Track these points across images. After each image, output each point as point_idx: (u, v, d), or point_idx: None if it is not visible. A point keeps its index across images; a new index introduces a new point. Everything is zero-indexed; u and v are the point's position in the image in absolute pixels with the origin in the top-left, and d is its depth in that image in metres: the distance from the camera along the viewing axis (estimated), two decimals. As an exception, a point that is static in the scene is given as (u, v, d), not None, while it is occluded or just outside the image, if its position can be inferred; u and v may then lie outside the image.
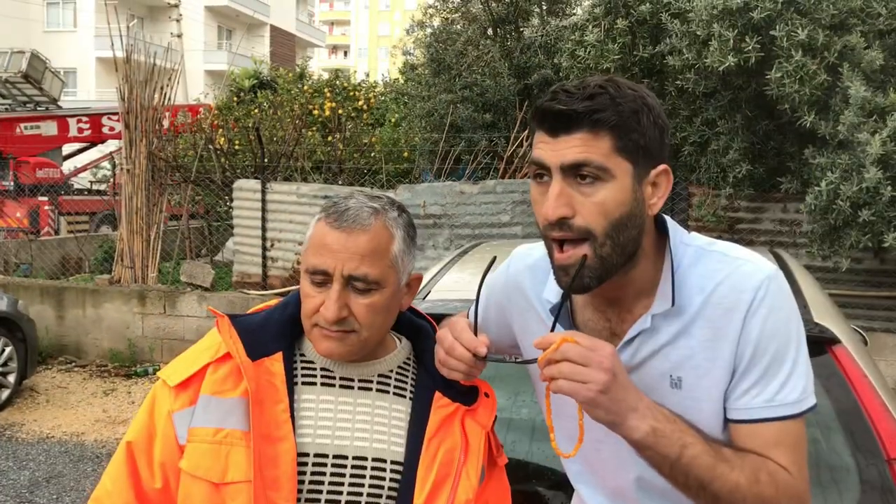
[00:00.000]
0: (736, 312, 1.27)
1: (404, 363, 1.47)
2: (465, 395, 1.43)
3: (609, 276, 1.28)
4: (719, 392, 1.30)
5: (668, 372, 1.32)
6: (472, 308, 1.46)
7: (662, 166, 1.29)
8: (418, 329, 1.50)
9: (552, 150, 1.25)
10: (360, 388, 1.41)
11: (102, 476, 1.42)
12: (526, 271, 1.52)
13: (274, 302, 1.49)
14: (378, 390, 1.42)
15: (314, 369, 1.41)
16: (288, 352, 1.40)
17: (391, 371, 1.45)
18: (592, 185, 1.24)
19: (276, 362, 1.37)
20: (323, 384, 1.40)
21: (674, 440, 1.23)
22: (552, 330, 1.32)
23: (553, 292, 1.41)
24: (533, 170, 1.30)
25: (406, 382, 1.45)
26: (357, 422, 1.38)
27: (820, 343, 2.04)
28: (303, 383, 1.39)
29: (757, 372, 1.27)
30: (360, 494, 1.35)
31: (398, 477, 1.36)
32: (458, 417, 1.41)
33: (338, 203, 1.35)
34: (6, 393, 6.70)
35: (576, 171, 1.24)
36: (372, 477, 1.36)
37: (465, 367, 1.36)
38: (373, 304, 1.34)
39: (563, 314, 1.40)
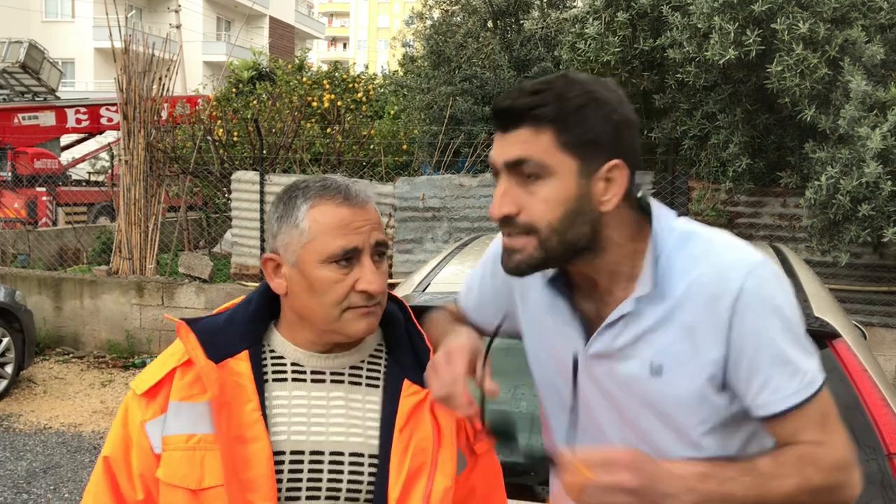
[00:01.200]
0: (722, 300, 1.24)
1: (375, 351, 1.45)
2: None
3: (549, 267, 1.31)
4: (703, 379, 1.27)
5: (649, 358, 1.30)
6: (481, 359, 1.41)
7: (615, 161, 1.26)
8: (387, 315, 1.45)
9: (499, 147, 1.28)
10: (332, 382, 1.39)
11: (84, 494, 1.41)
12: None
13: (238, 300, 1.47)
14: (350, 382, 1.40)
15: (284, 365, 1.39)
16: (255, 349, 1.37)
17: (362, 362, 1.42)
18: (536, 182, 1.24)
19: (241, 362, 1.35)
20: (294, 380, 1.38)
21: (719, 495, 1.22)
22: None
23: None
24: (493, 171, 1.32)
25: (378, 372, 1.43)
26: (332, 416, 1.36)
27: (820, 337, 2.04)
28: (273, 380, 1.37)
29: (766, 365, 1.24)
30: (340, 490, 1.33)
31: (375, 471, 1.35)
32: (427, 404, 1.38)
33: (326, 185, 1.34)
34: (3, 384, 6.69)
35: (518, 170, 1.25)
36: (350, 472, 1.34)
37: (468, 414, 1.33)
38: (385, 269, 1.37)
39: (562, 295, 1.40)
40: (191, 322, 1.37)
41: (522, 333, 1.54)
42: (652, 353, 1.30)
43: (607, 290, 1.35)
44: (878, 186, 4.81)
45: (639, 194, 1.37)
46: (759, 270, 1.25)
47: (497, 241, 1.57)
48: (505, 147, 1.26)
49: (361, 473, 1.34)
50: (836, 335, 2.07)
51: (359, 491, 1.34)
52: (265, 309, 1.42)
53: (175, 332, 1.37)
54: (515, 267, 1.30)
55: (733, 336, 1.25)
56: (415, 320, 1.49)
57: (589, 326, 1.37)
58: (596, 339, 1.34)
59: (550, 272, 1.40)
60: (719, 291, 1.24)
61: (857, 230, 5.05)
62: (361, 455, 1.35)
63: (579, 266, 1.33)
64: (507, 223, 1.27)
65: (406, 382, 1.39)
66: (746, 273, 1.24)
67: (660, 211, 1.34)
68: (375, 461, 1.35)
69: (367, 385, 1.41)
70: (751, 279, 1.23)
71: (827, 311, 2.22)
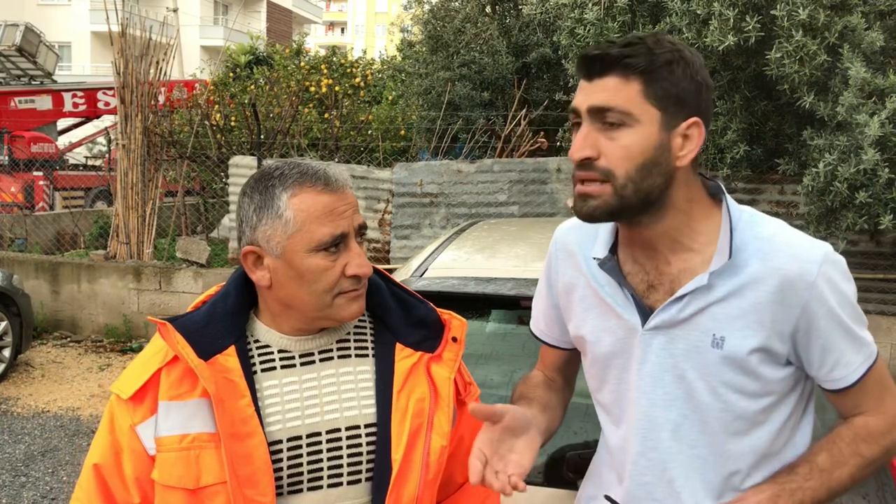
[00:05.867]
0: (799, 282, 1.29)
1: (360, 322, 1.45)
2: (428, 341, 1.42)
3: (622, 217, 1.34)
4: (765, 356, 1.32)
5: (711, 330, 1.33)
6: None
7: (694, 119, 1.31)
8: (368, 284, 1.45)
9: (584, 94, 1.31)
10: (321, 361, 1.39)
11: (70, 501, 1.38)
12: (572, 231, 1.54)
13: (214, 290, 1.44)
14: (340, 357, 1.40)
15: (271, 354, 1.38)
16: (240, 342, 1.36)
17: (348, 334, 1.43)
18: (618, 129, 1.28)
19: (229, 357, 1.33)
20: (283, 367, 1.37)
21: None
22: None
23: (601, 248, 1.44)
24: (572, 118, 1.35)
25: (366, 341, 1.43)
26: (325, 395, 1.37)
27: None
28: (262, 371, 1.36)
29: (840, 344, 1.33)
30: (341, 466, 1.34)
31: (374, 439, 1.36)
32: (423, 365, 1.39)
33: (305, 172, 1.32)
34: (1, 367, 6.71)
35: (602, 116, 1.29)
36: (349, 446, 1.35)
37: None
38: (365, 249, 1.39)
39: (611, 267, 1.42)
40: (172, 321, 1.34)
41: (578, 332, 1.52)
42: (715, 326, 1.33)
43: (665, 260, 1.38)
44: (876, 174, 4.81)
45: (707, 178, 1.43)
46: (831, 258, 1.32)
47: (550, 248, 1.58)
48: (591, 93, 1.30)
49: (360, 445, 1.35)
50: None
51: (359, 464, 1.35)
52: (244, 300, 1.40)
53: (158, 333, 1.34)
54: (591, 213, 1.33)
55: (807, 317, 1.31)
56: (398, 283, 1.49)
57: (639, 302, 1.39)
58: (659, 313, 1.36)
59: (602, 254, 1.42)
60: (797, 274, 1.30)
61: (855, 217, 5.05)
62: (358, 427, 1.36)
63: (642, 227, 1.35)
64: (585, 167, 1.30)
65: (398, 346, 1.40)
66: (822, 260, 1.31)
67: (727, 193, 1.40)
68: (373, 430, 1.36)
69: (357, 356, 1.41)
70: (825, 266, 1.30)
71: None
